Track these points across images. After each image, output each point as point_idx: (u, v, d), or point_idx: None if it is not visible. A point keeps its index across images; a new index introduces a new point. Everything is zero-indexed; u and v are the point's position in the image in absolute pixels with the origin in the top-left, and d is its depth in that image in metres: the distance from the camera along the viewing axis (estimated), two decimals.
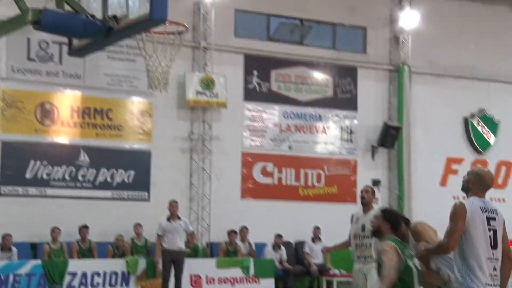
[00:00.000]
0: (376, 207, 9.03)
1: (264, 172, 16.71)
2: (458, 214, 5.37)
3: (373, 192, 8.97)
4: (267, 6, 16.84)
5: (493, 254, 5.39)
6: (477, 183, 5.56)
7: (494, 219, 5.46)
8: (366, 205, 8.84)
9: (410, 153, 17.72)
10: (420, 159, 17.77)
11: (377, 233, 6.02)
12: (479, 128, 18.78)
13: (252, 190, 16.53)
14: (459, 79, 18.59)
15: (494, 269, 5.39)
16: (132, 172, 15.32)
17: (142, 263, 13.72)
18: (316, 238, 15.75)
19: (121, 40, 7.27)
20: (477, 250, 5.32)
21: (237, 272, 14.39)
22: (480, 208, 5.43)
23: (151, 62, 11.34)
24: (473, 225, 5.35)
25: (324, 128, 17.32)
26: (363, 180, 17.18)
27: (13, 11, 5.30)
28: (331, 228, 14.95)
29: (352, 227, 8.93)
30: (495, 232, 5.43)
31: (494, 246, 5.40)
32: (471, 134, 18.67)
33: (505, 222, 5.67)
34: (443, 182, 18.19)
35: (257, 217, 16.02)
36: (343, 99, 17.55)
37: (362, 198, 8.87)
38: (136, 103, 15.58)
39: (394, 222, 5.93)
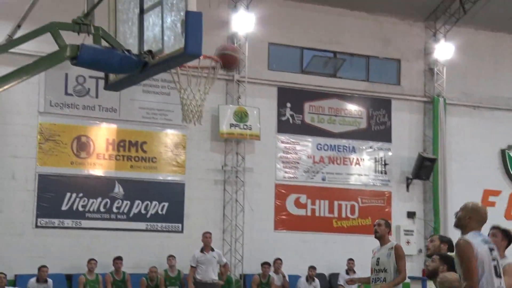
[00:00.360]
0: (392, 240, 8.97)
1: (298, 203, 16.66)
2: (467, 252, 5.28)
3: (387, 225, 8.84)
4: (300, 39, 16.94)
5: (500, 283, 5.37)
6: (474, 219, 5.52)
7: (493, 249, 5.45)
8: (381, 239, 8.71)
9: (445, 185, 17.53)
10: (456, 191, 17.52)
11: (432, 275, 6.13)
12: None
13: (286, 221, 16.48)
14: (495, 110, 18.42)
15: None
16: (166, 204, 15.41)
17: None
18: (350, 270, 15.60)
19: (156, 74, 7.36)
20: (488, 283, 5.27)
21: None
22: (482, 241, 5.43)
23: (185, 96, 11.40)
24: (481, 259, 5.30)
25: (358, 159, 17.25)
26: (397, 212, 17.07)
27: (52, 47, 5.42)
28: (365, 260, 14.68)
29: (371, 262, 8.85)
30: (497, 261, 5.41)
31: (498, 275, 5.36)
32: (509, 166, 18.42)
33: None
34: None
35: (290, 249, 15.95)
36: (377, 130, 17.49)
37: (376, 232, 8.72)
38: (170, 136, 15.73)
39: (451, 264, 6.04)
